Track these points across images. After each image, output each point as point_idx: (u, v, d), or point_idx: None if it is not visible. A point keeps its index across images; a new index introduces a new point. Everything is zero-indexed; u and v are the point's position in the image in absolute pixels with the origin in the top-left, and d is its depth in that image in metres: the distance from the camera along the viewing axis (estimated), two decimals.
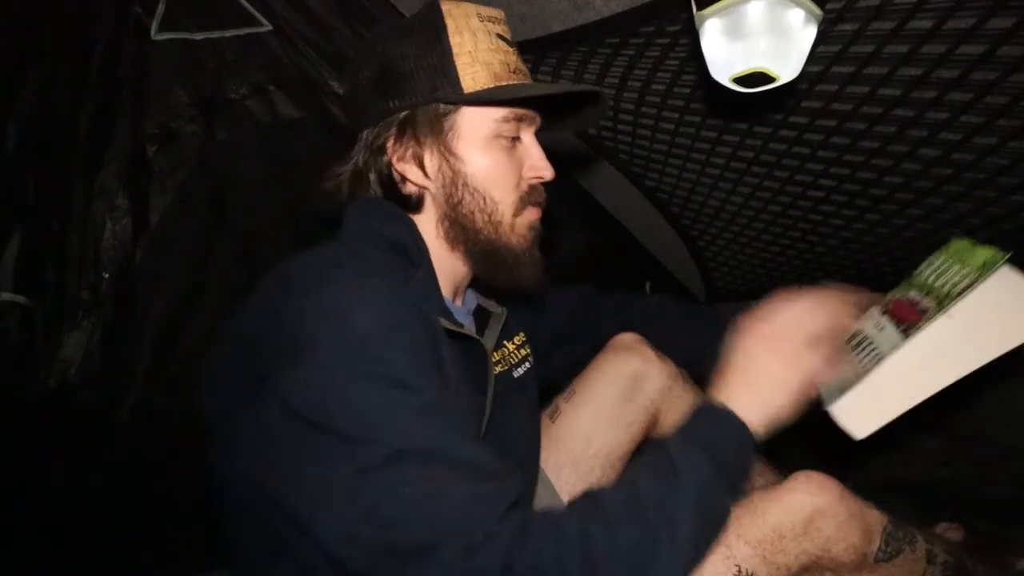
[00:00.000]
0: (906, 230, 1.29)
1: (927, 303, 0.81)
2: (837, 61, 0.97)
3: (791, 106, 1.12)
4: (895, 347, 0.78)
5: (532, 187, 0.86)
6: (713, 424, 0.74)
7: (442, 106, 0.79)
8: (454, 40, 0.78)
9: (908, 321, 0.81)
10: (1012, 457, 1.51)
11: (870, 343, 0.85)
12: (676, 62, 1.12)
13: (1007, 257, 0.73)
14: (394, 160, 0.81)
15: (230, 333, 0.74)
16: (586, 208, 1.83)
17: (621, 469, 1.10)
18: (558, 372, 1.17)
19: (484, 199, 0.81)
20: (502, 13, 0.85)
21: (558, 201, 1.83)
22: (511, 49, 0.83)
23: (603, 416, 1.08)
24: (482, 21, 0.81)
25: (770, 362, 0.77)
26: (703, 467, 0.68)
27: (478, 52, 0.79)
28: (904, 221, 1.28)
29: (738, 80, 0.85)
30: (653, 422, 1.13)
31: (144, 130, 1.22)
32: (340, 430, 0.61)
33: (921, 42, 0.87)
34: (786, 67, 0.82)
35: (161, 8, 1.22)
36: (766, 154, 1.28)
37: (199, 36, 1.26)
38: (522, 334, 1.03)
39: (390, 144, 0.81)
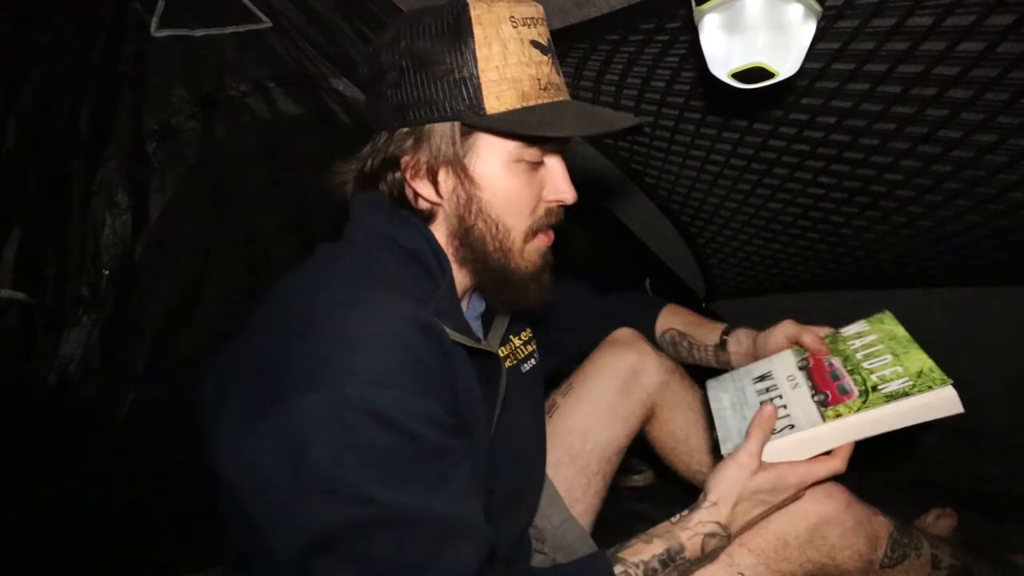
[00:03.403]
0: (906, 227, 1.29)
1: (849, 383, 0.83)
2: (837, 58, 0.97)
3: (791, 103, 1.12)
4: (811, 422, 0.79)
5: (549, 209, 0.82)
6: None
7: (462, 125, 0.74)
8: (481, 53, 0.71)
9: (825, 392, 0.83)
10: (1010, 451, 1.51)
11: (780, 398, 0.87)
12: (676, 59, 1.12)
13: (949, 382, 0.74)
14: (407, 175, 0.77)
15: (239, 349, 0.72)
16: (585, 205, 1.83)
17: (617, 463, 1.12)
18: (562, 367, 1.17)
19: (496, 226, 0.77)
20: (540, 10, 0.77)
21: None
22: (545, 58, 0.76)
23: (600, 411, 1.09)
24: (515, 27, 0.73)
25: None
26: None
27: (507, 67, 0.72)
28: (904, 218, 1.27)
29: (737, 75, 0.84)
30: (649, 415, 1.14)
31: (144, 127, 1.22)
32: (333, 471, 0.61)
33: (921, 39, 0.87)
34: (785, 63, 0.82)
35: (161, 5, 1.22)
36: (766, 151, 1.28)
37: (199, 33, 1.26)
38: (528, 330, 1.03)
39: (405, 158, 0.76)
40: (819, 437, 0.78)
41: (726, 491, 0.77)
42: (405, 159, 0.76)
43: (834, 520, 0.80)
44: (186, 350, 1.26)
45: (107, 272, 1.18)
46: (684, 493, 1.21)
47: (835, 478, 0.83)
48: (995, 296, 1.36)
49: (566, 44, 1.20)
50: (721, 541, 0.77)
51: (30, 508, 1.17)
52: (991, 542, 1.13)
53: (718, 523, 0.76)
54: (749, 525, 0.79)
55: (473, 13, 0.71)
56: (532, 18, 0.75)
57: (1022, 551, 1.09)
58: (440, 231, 0.80)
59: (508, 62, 0.72)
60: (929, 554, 0.87)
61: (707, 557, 0.77)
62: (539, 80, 0.74)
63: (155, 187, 1.23)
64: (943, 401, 0.74)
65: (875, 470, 1.47)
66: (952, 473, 1.51)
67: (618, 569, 0.72)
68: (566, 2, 1.08)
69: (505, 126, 0.73)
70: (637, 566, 0.73)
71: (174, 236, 1.25)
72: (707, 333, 1.12)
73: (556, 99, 0.76)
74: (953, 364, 1.48)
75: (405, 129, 0.75)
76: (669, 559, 0.74)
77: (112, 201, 1.19)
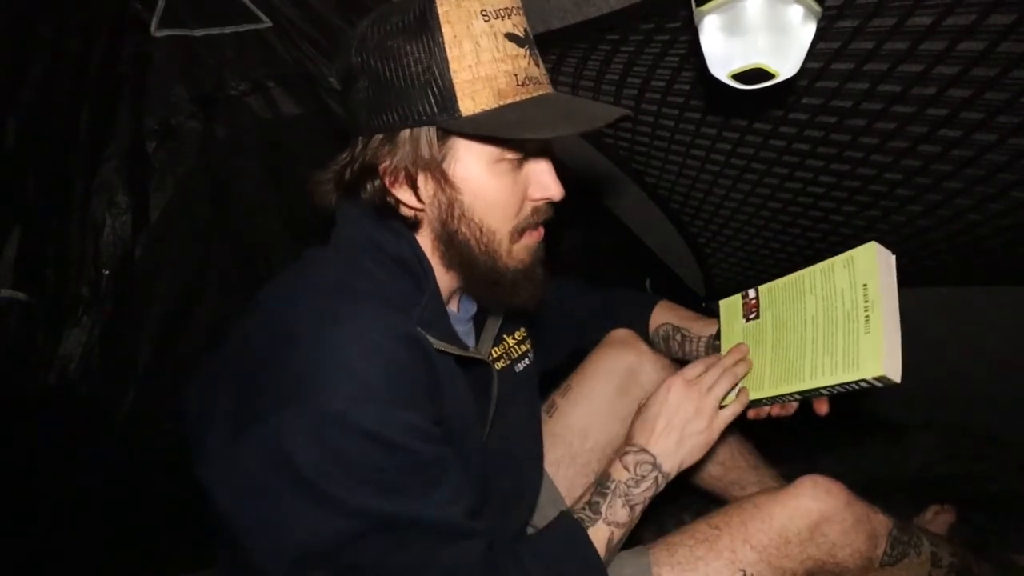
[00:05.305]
0: (905, 226, 1.30)
1: None
2: (836, 58, 0.97)
3: (791, 102, 1.12)
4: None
5: (535, 208, 0.79)
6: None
7: (438, 129, 0.71)
8: (452, 52, 0.68)
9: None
10: (1010, 450, 1.52)
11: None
12: (676, 59, 1.12)
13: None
14: (387, 182, 0.74)
15: (224, 358, 0.72)
16: (585, 204, 1.83)
17: None
18: (555, 365, 1.18)
19: (480, 229, 0.75)
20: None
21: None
22: (522, 51, 0.71)
23: (599, 410, 1.09)
24: (487, 20, 0.69)
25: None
26: None
27: (480, 65, 0.68)
28: (903, 217, 1.28)
29: (737, 76, 0.84)
30: None
31: (144, 126, 1.22)
32: (320, 485, 0.61)
33: (921, 39, 0.87)
34: (785, 64, 0.82)
35: (161, 4, 1.22)
36: (766, 150, 1.28)
37: (199, 32, 1.26)
38: (523, 329, 1.03)
39: (383, 165, 0.73)
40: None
41: (635, 426, 0.87)
42: (383, 166, 0.73)
43: (834, 518, 0.81)
44: (186, 350, 1.26)
45: (107, 272, 1.18)
46: (684, 493, 1.21)
47: (836, 477, 0.84)
48: (995, 296, 1.36)
49: (566, 44, 1.20)
50: (639, 455, 0.83)
51: (30, 508, 1.17)
52: (991, 542, 1.13)
53: (633, 444, 0.85)
54: (677, 450, 0.84)
55: (440, 10, 0.67)
56: (505, 8, 0.70)
57: (1022, 551, 1.09)
58: (425, 236, 0.78)
59: (481, 59, 0.68)
60: (929, 552, 0.88)
61: (641, 477, 0.82)
62: (516, 76, 0.70)
63: (155, 187, 1.24)
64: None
65: (876, 469, 1.47)
66: (952, 473, 1.51)
67: (576, 518, 0.79)
68: (566, 2, 1.08)
69: (481, 129, 0.69)
70: (584, 508, 0.81)
71: (174, 236, 1.25)
72: (703, 327, 1.13)
73: (536, 94, 0.72)
74: (953, 364, 1.49)
75: (380, 135, 0.72)
76: (604, 488, 0.82)
77: (112, 201, 1.19)
